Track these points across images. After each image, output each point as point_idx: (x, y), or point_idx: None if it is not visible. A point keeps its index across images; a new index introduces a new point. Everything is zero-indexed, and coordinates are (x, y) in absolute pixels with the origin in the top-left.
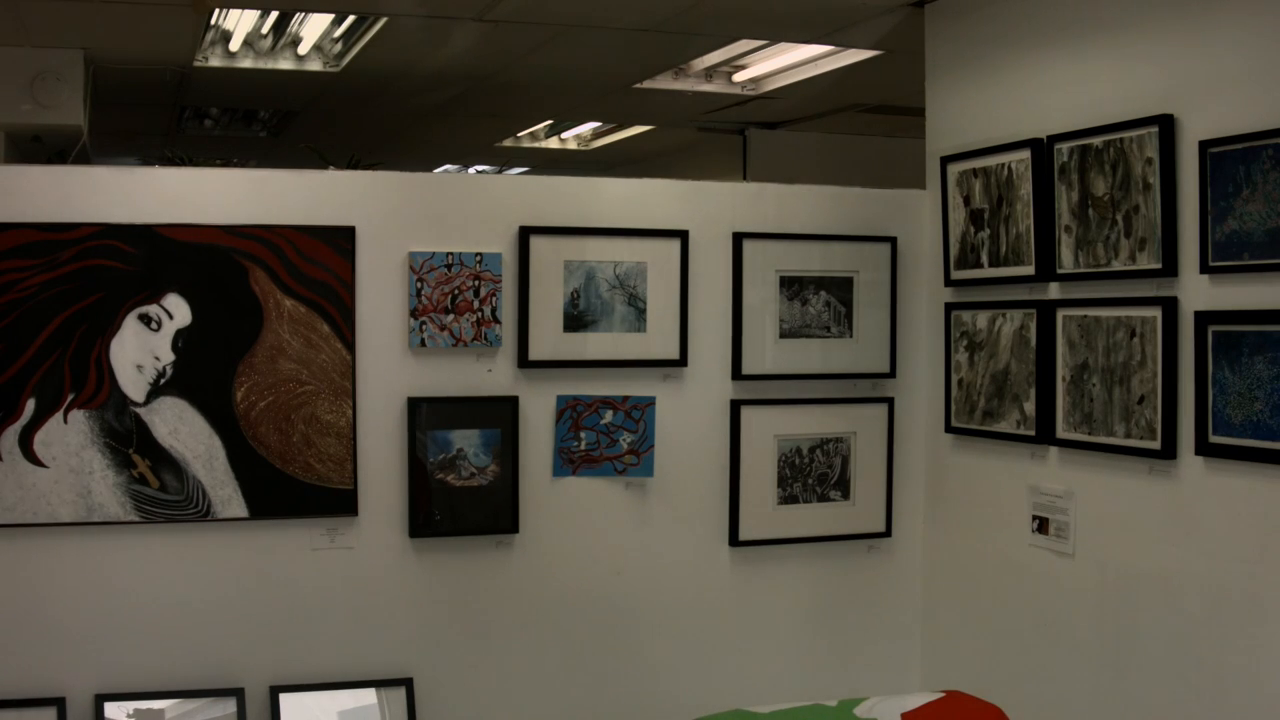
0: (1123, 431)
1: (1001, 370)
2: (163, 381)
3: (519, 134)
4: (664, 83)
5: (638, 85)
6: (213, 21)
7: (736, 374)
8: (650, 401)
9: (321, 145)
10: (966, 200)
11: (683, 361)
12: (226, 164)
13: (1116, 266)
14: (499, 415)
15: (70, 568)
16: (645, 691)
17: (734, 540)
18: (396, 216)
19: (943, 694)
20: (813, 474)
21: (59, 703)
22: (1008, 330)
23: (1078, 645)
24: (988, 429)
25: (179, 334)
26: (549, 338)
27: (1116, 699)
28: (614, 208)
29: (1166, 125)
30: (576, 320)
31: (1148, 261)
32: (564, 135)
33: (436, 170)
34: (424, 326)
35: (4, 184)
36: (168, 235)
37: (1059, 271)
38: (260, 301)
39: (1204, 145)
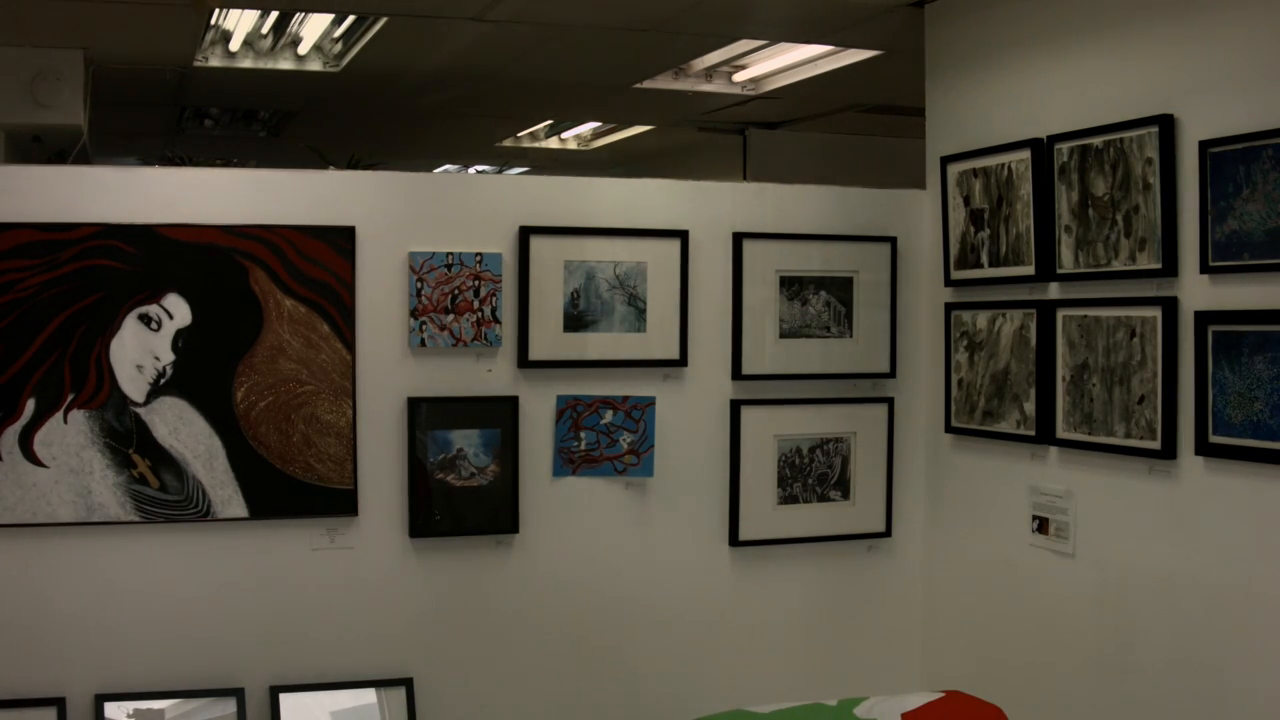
0: (1123, 431)
1: (1001, 370)
2: (163, 381)
3: (519, 134)
4: (664, 83)
5: (638, 85)
6: (213, 21)
7: (736, 374)
8: (650, 401)
9: (321, 145)
10: (966, 200)
11: (683, 361)
12: (226, 164)
13: (1116, 266)
14: (499, 415)
15: (70, 568)
16: (645, 691)
17: (734, 540)
18: (396, 216)
19: (943, 694)
20: (813, 474)
21: (59, 703)
22: (1008, 330)
23: (1078, 645)
24: (988, 429)
25: (179, 334)
26: (549, 338)
27: (1116, 699)
28: (614, 208)
29: (1166, 125)
30: (576, 320)
31: (1148, 261)
32: (564, 135)
33: (436, 170)
34: (424, 326)
35: (4, 184)
36: (168, 235)
37: (1059, 271)
38: (260, 301)
39: (1204, 145)
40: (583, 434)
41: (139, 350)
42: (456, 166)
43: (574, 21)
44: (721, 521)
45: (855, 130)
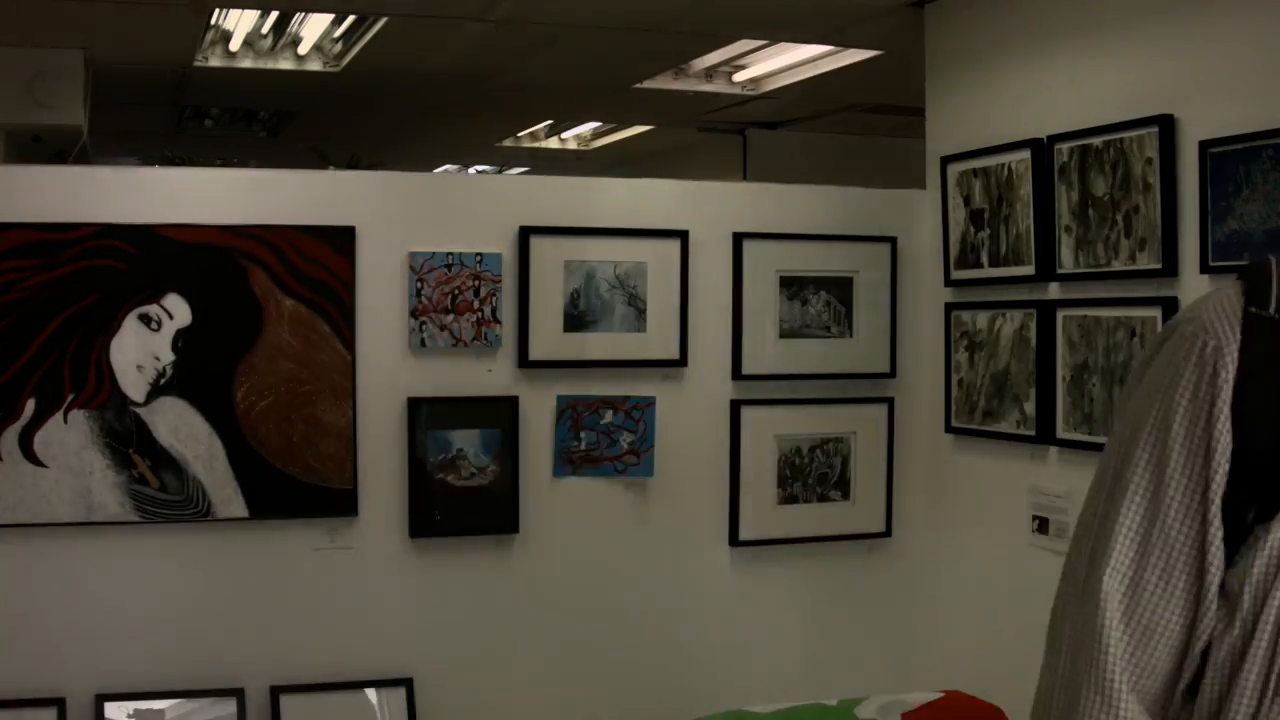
0: None
1: (1001, 370)
2: (163, 381)
3: (519, 134)
4: (664, 83)
5: (638, 85)
6: (213, 21)
7: (736, 374)
8: (650, 401)
9: (321, 145)
10: (966, 200)
11: (683, 361)
12: (226, 164)
13: (1116, 266)
14: (499, 415)
15: (70, 568)
16: (645, 691)
17: (734, 540)
18: (396, 216)
19: (943, 694)
20: (813, 474)
21: (59, 703)
22: (1008, 330)
23: None
24: (988, 429)
25: (179, 334)
26: (549, 338)
27: None
28: (614, 208)
29: (1166, 125)
30: (576, 320)
31: (1148, 261)
32: (564, 135)
33: (436, 170)
34: (424, 326)
35: (4, 184)
36: (168, 235)
37: (1059, 271)
38: (260, 301)
39: (1204, 145)
40: (583, 434)
41: (139, 350)
42: (456, 166)
43: (574, 21)
44: (721, 521)
45: (855, 130)
